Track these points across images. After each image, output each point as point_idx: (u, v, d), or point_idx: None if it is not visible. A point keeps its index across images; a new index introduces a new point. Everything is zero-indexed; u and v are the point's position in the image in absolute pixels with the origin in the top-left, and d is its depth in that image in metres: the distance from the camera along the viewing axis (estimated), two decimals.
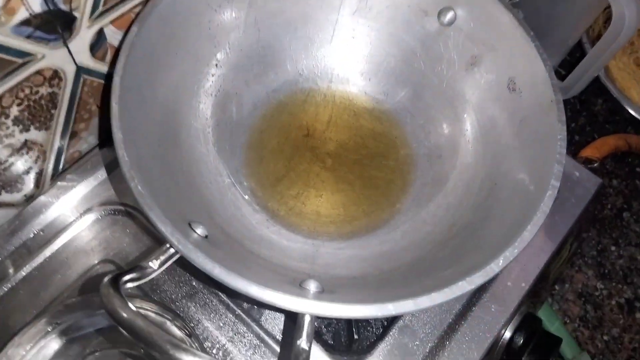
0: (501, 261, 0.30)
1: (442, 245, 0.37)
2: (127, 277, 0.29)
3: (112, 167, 0.44)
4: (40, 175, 0.42)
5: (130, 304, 0.27)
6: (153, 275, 0.30)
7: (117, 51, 0.38)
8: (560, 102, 0.36)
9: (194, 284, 0.41)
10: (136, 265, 0.30)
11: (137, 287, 0.40)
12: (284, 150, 0.44)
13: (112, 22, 0.37)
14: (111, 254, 0.43)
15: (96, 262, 0.42)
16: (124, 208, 0.44)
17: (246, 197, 0.41)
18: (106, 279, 0.28)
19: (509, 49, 0.40)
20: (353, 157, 0.45)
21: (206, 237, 0.33)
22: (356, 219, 0.42)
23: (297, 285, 0.32)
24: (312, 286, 0.33)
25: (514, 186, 0.36)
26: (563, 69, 0.65)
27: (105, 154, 0.44)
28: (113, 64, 0.35)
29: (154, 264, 0.31)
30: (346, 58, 0.47)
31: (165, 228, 0.29)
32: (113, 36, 0.38)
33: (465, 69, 0.43)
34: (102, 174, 0.44)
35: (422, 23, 0.44)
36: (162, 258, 0.31)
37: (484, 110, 0.42)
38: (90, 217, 0.43)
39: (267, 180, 0.43)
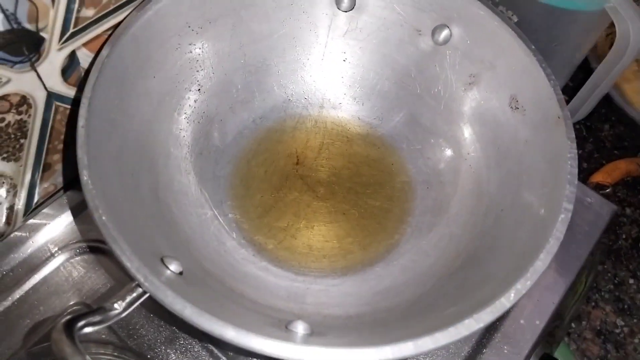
0: (512, 295, 0.27)
1: (446, 279, 0.33)
2: (84, 321, 0.25)
3: (81, 208, 0.41)
4: (11, 211, 0.39)
5: (84, 353, 0.23)
6: (117, 319, 0.27)
7: (86, 73, 0.36)
8: (568, 118, 0.33)
9: (174, 328, 0.38)
10: (98, 307, 0.27)
11: (112, 332, 0.37)
12: (272, 179, 0.41)
13: (84, 44, 0.35)
14: (85, 296, 0.39)
15: (69, 305, 0.39)
16: (101, 246, 0.41)
17: (231, 230, 0.38)
18: (60, 322, 0.24)
19: (510, 65, 0.37)
20: (347, 186, 0.42)
21: (181, 273, 0.30)
22: (351, 253, 0.38)
23: (282, 328, 0.29)
24: (300, 328, 0.29)
25: (523, 211, 0.33)
26: (566, 94, 0.63)
27: (70, 197, 0.41)
28: (82, 88, 0.33)
29: (119, 305, 0.27)
30: (337, 82, 0.45)
31: (130, 263, 0.26)
32: (87, 60, 0.36)
33: (464, 89, 0.40)
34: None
35: (416, 43, 0.41)
36: (129, 298, 0.27)
37: (485, 131, 0.39)
38: (65, 256, 0.40)
39: (253, 212, 0.40)
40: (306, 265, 0.38)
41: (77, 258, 0.40)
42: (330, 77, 0.44)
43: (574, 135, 0.33)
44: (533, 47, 0.36)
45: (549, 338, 0.43)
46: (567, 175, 0.31)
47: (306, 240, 0.39)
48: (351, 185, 0.42)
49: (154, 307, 0.38)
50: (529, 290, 0.32)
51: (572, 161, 0.32)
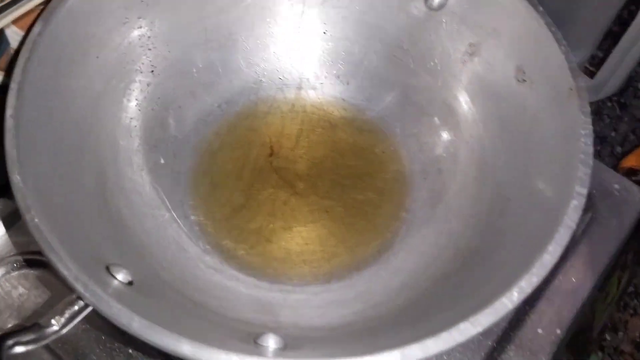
0: (515, 294, 0.27)
1: (444, 281, 0.34)
2: (13, 340, 0.25)
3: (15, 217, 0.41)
4: None
5: None
6: (54, 337, 0.27)
7: (15, 54, 0.36)
8: (583, 90, 0.34)
9: (130, 352, 0.38)
10: (32, 323, 0.27)
11: (55, 357, 0.37)
12: (242, 174, 0.42)
13: (14, 21, 0.35)
14: (26, 318, 0.39)
15: (7, 327, 0.39)
16: (43, 259, 0.41)
17: (192, 234, 0.38)
18: None
19: (515, 32, 0.38)
20: (330, 179, 0.42)
21: (130, 283, 0.30)
22: (336, 256, 0.39)
23: (250, 342, 0.29)
24: (270, 342, 0.30)
25: (532, 200, 0.34)
26: (593, 66, 0.63)
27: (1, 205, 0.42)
28: (11, 71, 0.33)
29: (56, 320, 0.28)
30: (317, 58, 0.45)
31: (68, 272, 0.27)
32: (16, 39, 0.36)
33: (463, 61, 0.41)
34: None
35: (407, 9, 0.42)
36: (68, 313, 0.28)
37: (488, 109, 0.40)
38: None
39: (220, 213, 0.40)
40: (283, 273, 0.38)
41: (14, 274, 0.40)
42: (309, 52, 0.45)
43: (589, 109, 0.34)
44: (541, 8, 0.37)
45: (576, 350, 0.43)
46: (581, 155, 0.31)
47: (283, 243, 0.40)
48: (335, 177, 0.42)
49: (107, 328, 0.39)
50: (545, 293, 0.32)
51: (586, 138, 0.32)
